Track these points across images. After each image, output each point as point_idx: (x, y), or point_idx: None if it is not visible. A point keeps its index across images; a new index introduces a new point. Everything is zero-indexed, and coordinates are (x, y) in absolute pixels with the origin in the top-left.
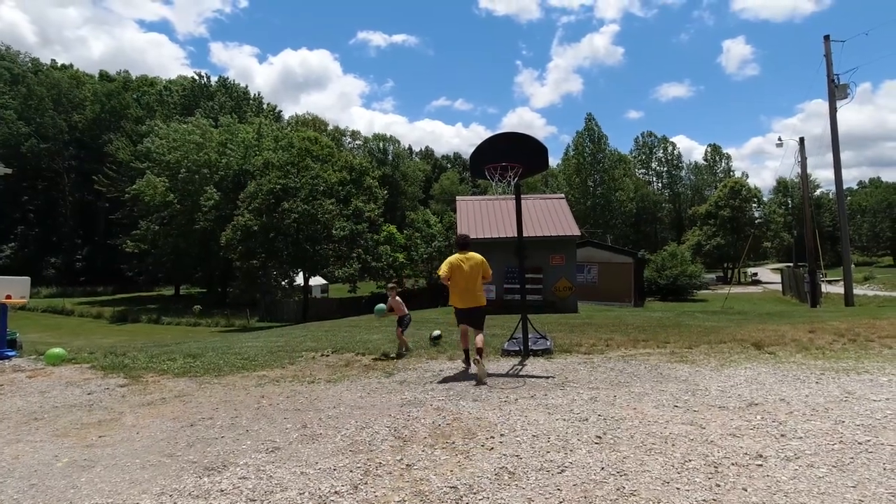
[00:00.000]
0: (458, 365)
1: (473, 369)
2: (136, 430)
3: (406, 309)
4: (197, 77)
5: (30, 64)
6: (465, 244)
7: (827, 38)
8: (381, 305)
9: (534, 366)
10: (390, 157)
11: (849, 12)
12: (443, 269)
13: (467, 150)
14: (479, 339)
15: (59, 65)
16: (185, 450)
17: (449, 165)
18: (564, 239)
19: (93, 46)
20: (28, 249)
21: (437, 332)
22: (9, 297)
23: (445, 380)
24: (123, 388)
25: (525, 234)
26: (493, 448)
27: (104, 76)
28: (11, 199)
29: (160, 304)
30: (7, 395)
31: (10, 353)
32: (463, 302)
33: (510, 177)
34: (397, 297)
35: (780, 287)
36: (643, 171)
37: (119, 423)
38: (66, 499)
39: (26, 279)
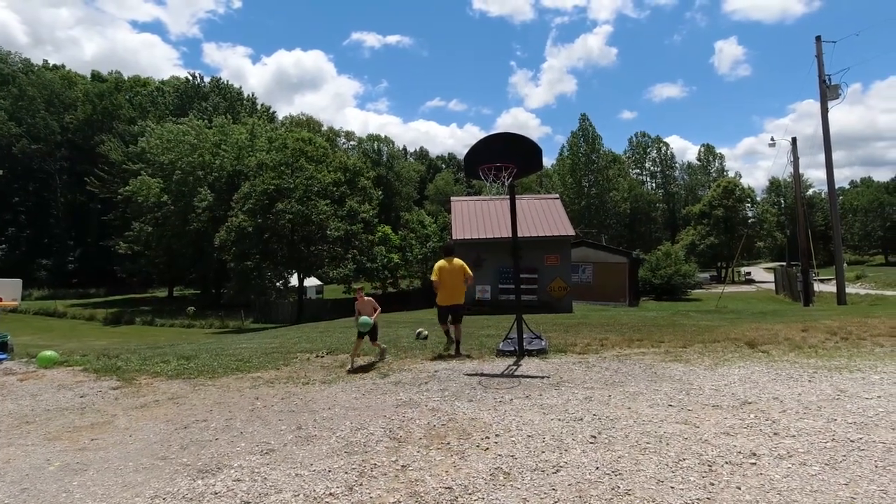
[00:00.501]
0: (454, 365)
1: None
2: (130, 432)
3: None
4: (190, 77)
5: (21, 64)
6: (450, 251)
7: (818, 38)
8: (367, 319)
9: (529, 366)
10: (384, 157)
11: (838, 14)
12: (434, 274)
13: (462, 151)
14: (458, 331)
15: (50, 65)
16: (179, 452)
17: (443, 166)
18: (559, 239)
19: (85, 47)
20: (19, 251)
21: (423, 332)
22: (0, 299)
23: (440, 380)
24: (116, 391)
25: (520, 235)
26: (488, 448)
27: (96, 76)
28: (2, 201)
29: (153, 306)
30: None
31: (1, 357)
32: (448, 300)
33: (504, 177)
34: (366, 298)
35: (773, 286)
36: (637, 171)
37: (112, 425)
38: (58, 503)
39: (18, 281)
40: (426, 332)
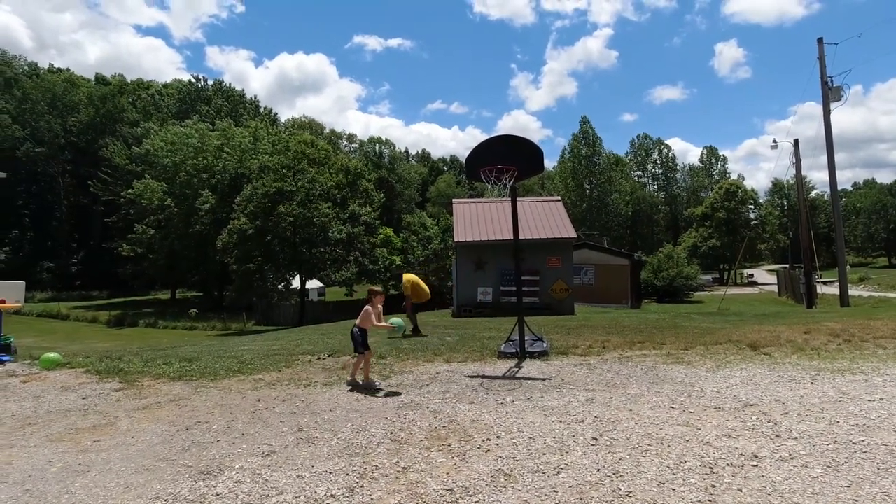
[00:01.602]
0: (455, 367)
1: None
2: (132, 434)
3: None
4: (193, 80)
5: (25, 67)
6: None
7: (820, 40)
8: (398, 320)
9: (530, 368)
10: (386, 160)
11: (838, 16)
12: (411, 287)
13: (463, 153)
14: (415, 318)
15: (54, 69)
16: (181, 454)
17: (445, 168)
18: (561, 241)
19: (89, 51)
20: (23, 254)
21: (397, 321)
22: (3, 301)
23: (442, 382)
24: (118, 393)
25: (521, 237)
26: (489, 450)
27: (100, 80)
28: (6, 204)
29: (156, 308)
30: (1, 400)
31: (4, 358)
32: (421, 300)
33: (506, 179)
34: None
35: (775, 288)
36: (639, 173)
37: (114, 427)
38: None
39: (21, 283)
40: (401, 322)
